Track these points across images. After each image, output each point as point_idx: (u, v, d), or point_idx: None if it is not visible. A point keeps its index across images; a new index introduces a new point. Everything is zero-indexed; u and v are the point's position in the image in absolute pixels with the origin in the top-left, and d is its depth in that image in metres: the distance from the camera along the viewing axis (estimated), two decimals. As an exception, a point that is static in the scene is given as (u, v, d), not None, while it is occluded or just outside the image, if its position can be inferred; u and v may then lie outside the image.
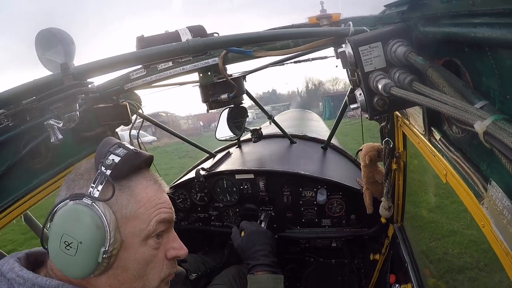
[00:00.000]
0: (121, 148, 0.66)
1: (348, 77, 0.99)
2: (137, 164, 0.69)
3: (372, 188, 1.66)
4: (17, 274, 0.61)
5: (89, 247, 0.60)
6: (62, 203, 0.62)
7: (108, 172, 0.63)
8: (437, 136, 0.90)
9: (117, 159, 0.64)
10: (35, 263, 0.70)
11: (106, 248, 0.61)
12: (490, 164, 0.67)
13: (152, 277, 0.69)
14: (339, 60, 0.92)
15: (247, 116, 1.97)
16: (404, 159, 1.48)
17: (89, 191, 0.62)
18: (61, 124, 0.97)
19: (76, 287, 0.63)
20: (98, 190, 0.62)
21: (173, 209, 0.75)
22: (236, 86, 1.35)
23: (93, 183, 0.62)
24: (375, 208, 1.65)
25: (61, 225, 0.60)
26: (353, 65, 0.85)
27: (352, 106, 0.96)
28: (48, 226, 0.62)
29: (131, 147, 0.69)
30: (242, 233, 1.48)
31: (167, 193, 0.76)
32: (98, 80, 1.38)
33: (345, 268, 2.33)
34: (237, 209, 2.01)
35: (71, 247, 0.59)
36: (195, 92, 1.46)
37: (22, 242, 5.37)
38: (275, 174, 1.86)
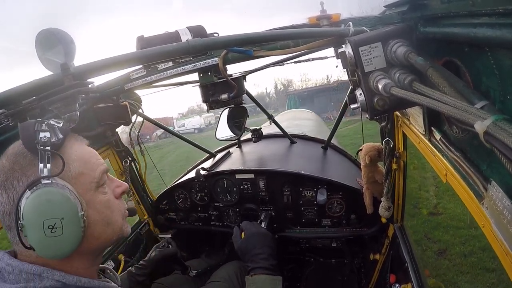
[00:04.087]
0: (44, 124, 0.67)
1: (348, 77, 0.99)
2: (65, 132, 0.71)
3: (372, 188, 1.66)
4: (6, 263, 0.65)
5: (71, 218, 0.64)
6: (23, 197, 0.62)
7: (48, 148, 0.64)
8: (437, 136, 0.90)
9: (47, 134, 0.65)
10: None
11: (83, 212, 0.65)
12: (490, 164, 0.67)
13: (115, 219, 0.76)
14: (339, 60, 0.92)
15: (247, 116, 1.97)
16: (404, 159, 1.48)
17: (39, 172, 0.63)
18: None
19: (58, 271, 0.66)
20: (47, 168, 0.63)
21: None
22: (236, 86, 1.35)
23: (41, 164, 0.63)
24: (375, 208, 1.65)
25: (36, 214, 0.61)
26: (353, 65, 0.85)
27: (352, 106, 0.96)
28: (20, 224, 0.61)
29: (50, 121, 0.70)
30: (243, 234, 1.48)
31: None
32: (98, 80, 1.38)
33: (345, 268, 2.33)
34: (237, 209, 2.01)
35: (56, 228, 0.62)
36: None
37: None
38: (275, 174, 1.86)
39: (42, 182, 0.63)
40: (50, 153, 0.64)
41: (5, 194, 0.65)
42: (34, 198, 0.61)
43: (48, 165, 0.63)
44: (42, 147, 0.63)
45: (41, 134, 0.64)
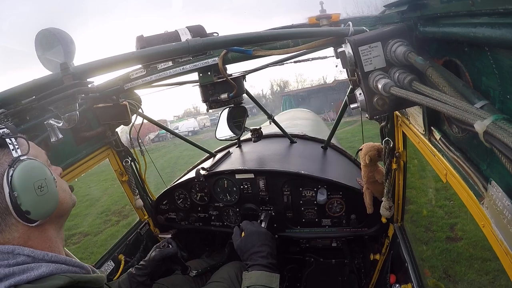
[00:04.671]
0: None
1: (348, 76, 0.99)
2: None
3: (372, 188, 1.66)
4: None
5: (49, 179, 0.79)
6: (9, 174, 0.73)
7: (13, 138, 0.78)
8: (437, 136, 0.90)
9: (5, 129, 0.78)
10: None
11: (53, 175, 0.82)
12: (490, 164, 0.67)
13: (66, 188, 0.91)
14: (339, 60, 0.92)
15: (247, 115, 1.97)
16: (404, 159, 1.48)
17: (14, 155, 0.76)
18: (61, 124, 0.97)
19: (28, 248, 0.75)
20: (17, 152, 0.77)
21: None
22: (236, 85, 1.35)
23: (13, 150, 0.77)
24: (375, 208, 1.65)
25: (27, 180, 0.75)
26: (353, 65, 0.85)
27: (352, 106, 0.96)
28: (15, 194, 0.72)
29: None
30: (243, 234, 1.48)
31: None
32: (98, 80, 1.38)
33: (345, 268, 2.33)
34: (237, 209, 2.01)
35: (43, 187, 0.77)
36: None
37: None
38: (275, 174, 1.86)
39: (21, 158, 0.76)
40: (14, 139, 0.78)
41: None
42: (20, 170, 0.74)
43: (18, 149, 0.77)
44: (8, 140, 0.76)
45: (1, 131, 0.76)
